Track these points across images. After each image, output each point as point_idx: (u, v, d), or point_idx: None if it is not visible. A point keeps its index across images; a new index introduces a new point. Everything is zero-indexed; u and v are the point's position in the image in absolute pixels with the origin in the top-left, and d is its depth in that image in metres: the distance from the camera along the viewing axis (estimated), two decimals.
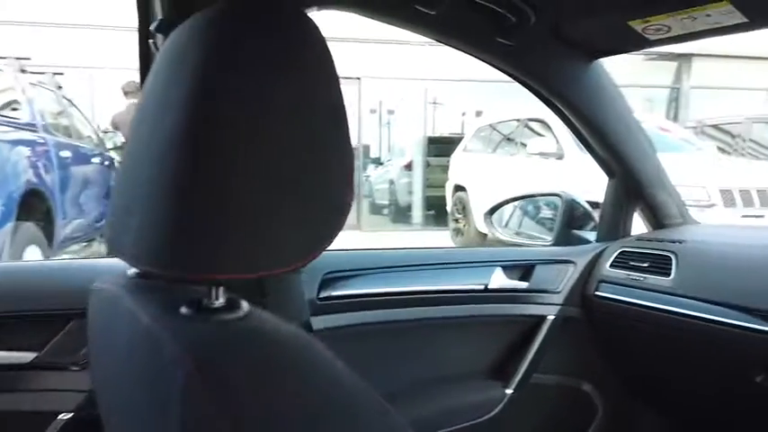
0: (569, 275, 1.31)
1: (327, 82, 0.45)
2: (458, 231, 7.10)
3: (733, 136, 6.61)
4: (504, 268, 1.25)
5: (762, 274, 1.03)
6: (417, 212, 9.40)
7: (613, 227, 1.40)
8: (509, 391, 1.22)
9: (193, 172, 0.40)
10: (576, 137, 1.35)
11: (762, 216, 4.01)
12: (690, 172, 4.14)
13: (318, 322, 1.04)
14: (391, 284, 1.13)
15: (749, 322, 0.99)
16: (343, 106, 0.46)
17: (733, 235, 1.37)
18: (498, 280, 1.23)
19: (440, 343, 1.20)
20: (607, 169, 1.38)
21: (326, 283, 1.07)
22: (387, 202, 9.90)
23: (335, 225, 0.46)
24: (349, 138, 0.46)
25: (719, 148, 6.32)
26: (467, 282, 1.21)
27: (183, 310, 0.45)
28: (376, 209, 9.97)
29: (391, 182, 9.76)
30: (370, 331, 1.10)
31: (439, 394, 1.17)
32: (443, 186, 7.76)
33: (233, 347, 0.42)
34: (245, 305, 0.46)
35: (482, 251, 1.32)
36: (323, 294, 1.06)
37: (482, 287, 1.21)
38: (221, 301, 0.45)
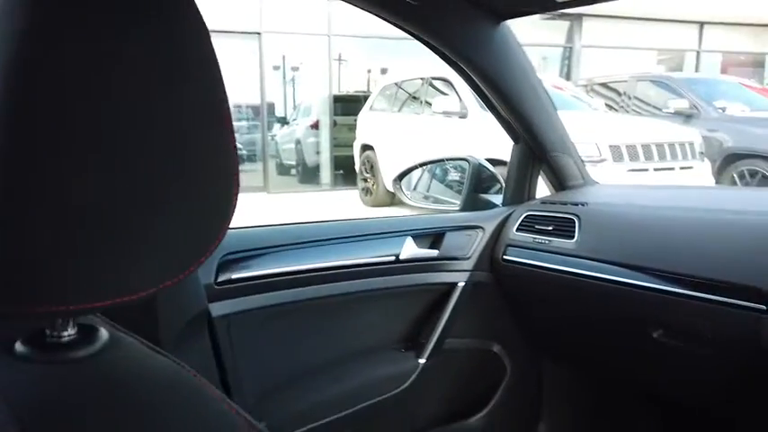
0: (478, 241, 1.31)
1: (197, 42, 0.36)
2: (367, 191, 7.11)
3: (619, 93, 7.03)
4: (415, 237, 1.23)
5: (654, 235, 1.08)
6: (326, 172, 9.29)
7: (519, 190, 1.42)
8: (422, 361, 1.21)
9: (7, 166, 0.30)
10: (482, 100, 1.33)
11: (646, 170, 4.34)
12: (582, 129, 4.36)
13: (218, 308, 0.95)
14: (298, 262, 1.06)
15: (645, 281, 1.03)
16: (220, 73, 0.37)
17: (630, 195, 1.43)
18: (409, 249, 1.21)
19: (352, 318, 1.17)
20: (512, 134, 1.38)
21: (225, 265, 0.98)
22: (294, 163, 9.71)
23: (219, 227, 0.37)
24: (229, 113, 0.37)
25: (607, 105, 6.72)
26: (377, 253, 1.17)
27: (19, 347, 0.35)
28: (283, 169, 9.75)
29: (298, 142, 9.55)
30: (276, 313, 1.03)
31: (353, 371, 1.14)
32: (351, 146, 7.72)
33: (77, 401, 0.32)
34: (103, 334, 0.37)
35: (392, 220, 1.28)
36: (222, 278, 0.97)
37: (393, 258, 1.18)
38: (71, 332, 0.35)
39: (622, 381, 1.41)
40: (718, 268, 0.95)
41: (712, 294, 0.94)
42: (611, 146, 4.27)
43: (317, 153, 9.31)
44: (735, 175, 5.33)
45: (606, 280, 1.09)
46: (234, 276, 0.98)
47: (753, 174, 5.22)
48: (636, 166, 4.29)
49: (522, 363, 1.44)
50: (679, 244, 1.03)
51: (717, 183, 5.17)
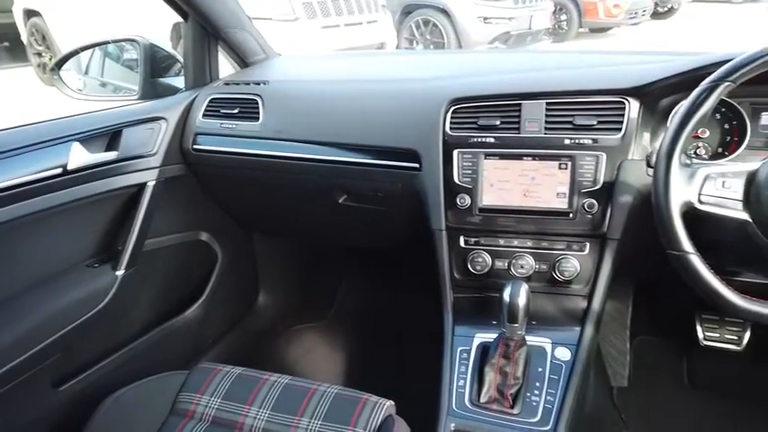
0: (163, 133, 1.23)
1: None
2: (44, 67, 5.96)
3: None
4: (84, 141, 1.07)
5: (329, 109, 1.17)
6: None
7: (199, 72, 1.35)
8: (121, 271, 1.15)
9: None
10: None
11: (338, 26, 4.51)
12: None
13: None
14: None
15: (325, 155, 1.13)
16: None
17: (309, 68, 1.48)
18: (78, 157, 1.05)
19: (22, 248, 1.01)
20: (179, 11, 1.27)
21: None
22: None
23: None
24: None
25: None
26: (36, 168, 0.98)
27: None
28: None
29: None
30: None
31: (37, 303, 1.01)
32: (11, 11, 6.18)
33: None
34: None
35: (50, 125, 1.07)
36: None
37: (59, 170, 1.01)
38: None
39: (322, 240, 1.59)
40: (385, 136, 1.08)
41: (381, 159, 1.08)
42: (303, 3, 4.28)
43: None
44: (412, 25, 5.93)
45: (292, 158, 1.16)
46: None
47: (426, 22, 5.89)
48: (328, 22, 4.42)
49: (233, 244, 1.49)
50: (351, 117, 1.13)
51: (398, 33, 5.69)
